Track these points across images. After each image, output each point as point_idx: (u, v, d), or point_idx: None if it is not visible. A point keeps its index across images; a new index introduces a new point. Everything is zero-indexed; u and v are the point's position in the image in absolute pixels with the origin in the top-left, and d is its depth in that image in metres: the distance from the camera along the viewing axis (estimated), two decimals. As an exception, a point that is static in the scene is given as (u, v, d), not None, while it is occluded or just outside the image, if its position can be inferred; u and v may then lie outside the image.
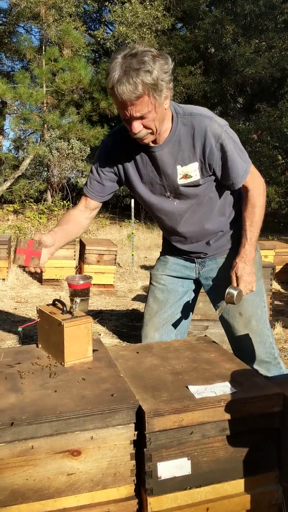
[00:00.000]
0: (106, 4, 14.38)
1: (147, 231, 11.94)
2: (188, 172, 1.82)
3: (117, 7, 13.66)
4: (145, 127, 1.67)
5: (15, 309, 4.94)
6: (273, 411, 1.42)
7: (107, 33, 15.11)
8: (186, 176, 1.82)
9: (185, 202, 1.91)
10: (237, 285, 1.88)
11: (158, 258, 2.21)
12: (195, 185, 1.85)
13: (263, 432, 1.44)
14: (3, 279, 6.06)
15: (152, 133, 1.71)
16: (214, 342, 1.88)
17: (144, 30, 13.64)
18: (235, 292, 1.84)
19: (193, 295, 2.18)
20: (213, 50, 14.69)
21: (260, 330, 1.99)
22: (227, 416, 1.38)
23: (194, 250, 2.05)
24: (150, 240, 10.67)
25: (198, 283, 2.17)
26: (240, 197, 1.96)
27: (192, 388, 1.45)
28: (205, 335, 1.98)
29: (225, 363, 1.66)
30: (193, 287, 2.17)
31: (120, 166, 1.92)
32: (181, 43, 14.59)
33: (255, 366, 1.99)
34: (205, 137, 1.75)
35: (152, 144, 1.79)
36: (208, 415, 1.36)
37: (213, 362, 1.67)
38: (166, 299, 2.12)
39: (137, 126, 1.66)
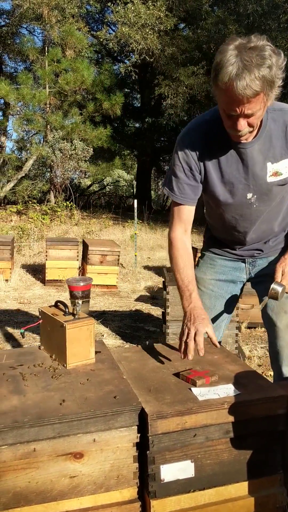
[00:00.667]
0: (109, 4, 14.41)
1: (150, 232, 11.93)
2: (279, 169, 1.73)
3: (119, 8, 13.67)
4: (249, 125, 1.58)
5: (18, 310, 4.94)
6: (278, 413, 1.41)
7: (109, 33, 15.10)
8: (276, 173, 1.73)
9: (266, 204, 1.81)
10: (281, 281, 1.78)
11: (203, 259, 2.09)
12: (285, 183, 1.77)
13: (267, 434, 1.42)
14: (6, 280, 6.07)
15: (251, 132, 1.63)
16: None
17: (147, 30, 13.64)
18: (279, 289, 1.76)
19: (238, 295, 2.10)
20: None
21: None
22: (231, 419, 1.37)
23: (249, 249, 1.97)
24: (153, 240, 10.66)
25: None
26: None
27: (196, 390, 1.44)
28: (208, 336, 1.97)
29: (228, 364, 1.65)
30: (240, 289, 2.08)
31: (201, 164, 1.78)
32: (184, 43, 14.57)
33: (287, 367, 1.92)
34: None
35: (244, 141, 1.68)
36: (212, 418, 1.35)
37: (216, 363, 1.66)
38: (214, 305, 2.03)
39: (243, 124, 1.56)
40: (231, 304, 2.07)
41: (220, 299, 2.04)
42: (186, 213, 1.85)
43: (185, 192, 1.81)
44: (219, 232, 2.01)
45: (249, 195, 1.78)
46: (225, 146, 1.72)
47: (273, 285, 1.76)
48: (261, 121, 1.66)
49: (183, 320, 1.71)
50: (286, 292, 1.80)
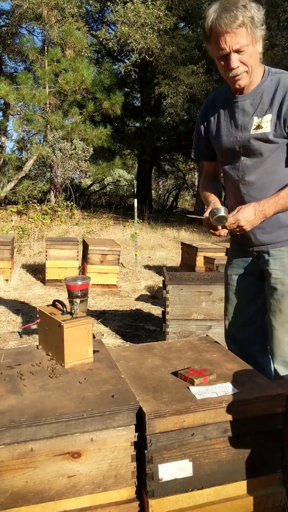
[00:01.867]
0: (108, 4, 14.37)
1: (150, 231, 11.92)
2: (261, 123, 1.82)
3: (119, 7, 13.65)
4: (242, 63, 1.73)
5: (18, 310, 4.93)
6: (276, 412, 1.40)
7: (109, 33, 15.10)
8: (258, 127, 1.82)
9: (252, 160, 1.87)
10: (231, 214, 1.82)
11: (229, 253, 2.18)
12: (265, 139, 1.82)
13: (266, 433, 1.42)
14: (6, 280, 6.06)
15: (247, 72, 1.76)
16: (216, 342, 1.86)
17: (146, 29, 13.62)
18: (221, 214, 1.79)
19: (260, 289, 2.04)
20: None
21: None
22: (229, 417, 1.36)
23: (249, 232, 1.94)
24: (154, 240, 10.65)
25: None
26: None
27: (194, 389, 1.43)
28: (207, 335, 1.96)
29: (227, 363, 1.64)
30: (263, 286, 2.02)
31: (208, 123, 1.99)
32: (184, 42, 14.56)
33: (278, 365, 1.92)
34: (287, 92, 1.77)
35: (237, 95, 1.84)
36: (210, 416, 1.35)
37: (215, 362, 1.65)
38: (238, 300, 2.07)
39: (235, 61, 1.72)
40: (256, 298, 2.04)
41: (243, 293, 2.06)
42: (208, 166, 2.14)
43: (200, 149, 2.09)
44: (228, 200, 2.07)
45: (237, 147, 1.89)
46: (225, 104, 1.92)
47: (221, 211, 1.80)
48: (261, 80, 1.81)
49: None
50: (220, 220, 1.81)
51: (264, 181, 1.88)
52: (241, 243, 2.04)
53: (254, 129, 1.82)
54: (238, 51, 1.70)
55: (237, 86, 1.80)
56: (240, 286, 2.07)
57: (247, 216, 1.79)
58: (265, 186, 1.88)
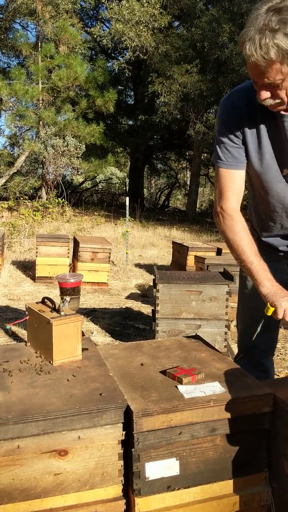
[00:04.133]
0: (103, 1, 14.33)
1: (142, 229, 11.92)
2: None
3: (114, 4, 13.62)
4: (273, 96, 1.45)
5: (8, 306, 4.91)
6: (263, 411, 1.41)
7: (103, 30, 15.07)
8: None
9: None
10: None
11: None
12: None
13: (253, 432, 1.42)
14: (-4, 276, 6.03)
15: (282, 104, 1.47)
16: (205, 341, 1.87)
17: (141, 27, 13.61)
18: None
19: None
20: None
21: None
22: (217, 417, 1.37)
23: (281, 244, 1.79)
24: (145, 238, 10.65)
25: None
26: None
27: (182, 388, 1.43)
28: (196, 334, 1.97)
29: (215, 362, 1.64)
30: None
31: (242, 128, 1.64)
32: (178, 41, 14.56)
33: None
34: None
35: (284, 113, 1.54)
36: (197, 415, 1.35)
37: (203, 361, 1.65)
38: (253, 305, 1.85)
39: (263, 94, 1.45)
40: None
41: (260, 298, 1.70)
42: (238, 180, 1.68)
43: (232, 156, 1.66)
44: (258, 222, 1.85)
45: (286, 171, 1.63)
46: (268, 115, 1.58)
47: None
48: None
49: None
50: None
51: None
52: (272, 246, 1.82)
53: None
54: (268, 86, 1.43)
55: (273, 110, 1.53)
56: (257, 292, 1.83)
57: None
58: None
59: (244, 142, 1.65)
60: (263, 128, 1.61)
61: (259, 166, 1.66)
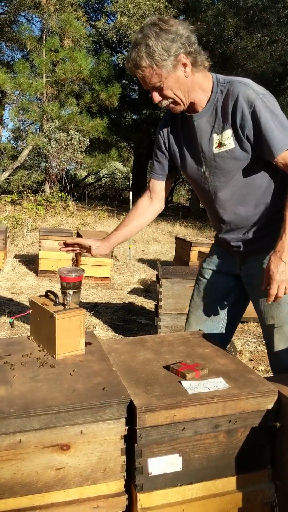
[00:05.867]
0: (108, -6, 14.25)
1: (145, 225, 11.88)
2: (222, 140, 1.72)
3: (119, -2, 13.55)
4: (163, 96, 1.70)
5: (11, 300, 4.91)
6: (267, 408, 1.40)
7: (108, 23, 15.00)
8: (220, 144, 1.73)
9: (220, 180, 1.78)
10: (269, 285, 1.63)
11: (210, 249, 2.10)
12: (232, 156, 1.72)
13: (257, 429, 1.41)
14: (-1, 270, 6.03)
15: (176, 103, 1.72)
16: (208, 337, 1.85)
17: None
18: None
19: (240, 294, 1.99)
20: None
21: None
22: (220, 413, 1.35)
23: (232, 240, 1.89)
24: (148, 233, 10.64)
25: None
26: None
27: (185, 384, 1.42)
28: (200, 329, 1.95)
29: (219, 358, 1.63)
30: (239, 285, 1.96)
31: (168, 141, 1.92)
32: (183, 35, 14.45)
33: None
34: (236, 101, 1.65)
35: (190, 114, 1.77)
36: (201, 411, 1.34)
37: (207, 357, 1.64)
38: (208, 295, 2.01)
39: (155, 96, 1.71)
40: (235, 306, 2.00)
41: (215, 289, 2.00)
42: (153, 185, 2.02)
43: (154, 168, 2.00)
44: (211, 219, 2.01)
45: (202, 169, 1.82)
46: (185, 122, 1.82)
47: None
48: (212, 94, 1.73)
49: None
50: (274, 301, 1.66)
51: (240, 194, 1.80)
52: (222, 240, 1.95)
53: (217, 147, 1.73)
54: (156, 88, 1.68)
55: (176, 112, 1.77)
56: (213, 281, 2.01)
57: (279, 278, 1.60)
58: (242, 199, 1.80)
59: (172, 151, 1.92)
60: (182, 132, 1.86)
61: (184, 167, 1.89)
